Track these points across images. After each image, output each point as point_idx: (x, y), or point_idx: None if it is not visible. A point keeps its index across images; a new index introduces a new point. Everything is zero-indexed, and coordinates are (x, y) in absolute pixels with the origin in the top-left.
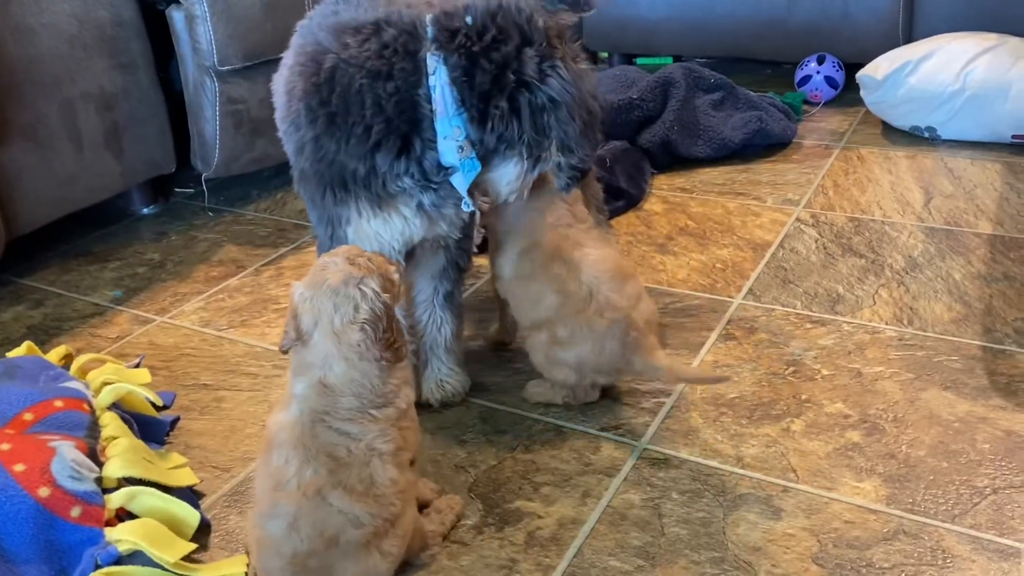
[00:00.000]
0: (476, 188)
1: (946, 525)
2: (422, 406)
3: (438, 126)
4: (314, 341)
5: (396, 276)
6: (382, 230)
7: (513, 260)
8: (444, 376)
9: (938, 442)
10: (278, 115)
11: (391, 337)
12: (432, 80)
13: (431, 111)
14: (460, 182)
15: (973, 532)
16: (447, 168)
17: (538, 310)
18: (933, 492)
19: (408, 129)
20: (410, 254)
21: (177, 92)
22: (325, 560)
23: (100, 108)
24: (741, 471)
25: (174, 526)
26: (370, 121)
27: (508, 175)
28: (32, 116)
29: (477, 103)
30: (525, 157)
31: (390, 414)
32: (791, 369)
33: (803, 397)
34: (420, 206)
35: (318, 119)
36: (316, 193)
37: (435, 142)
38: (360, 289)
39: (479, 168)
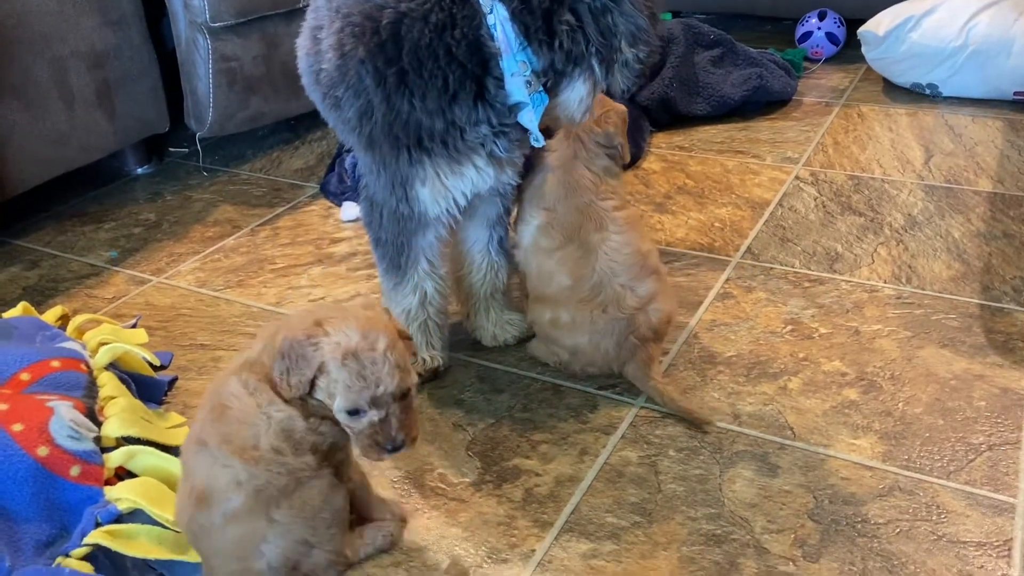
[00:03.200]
0: (546, 119)
1: (941, 481)
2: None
3: (504, 65)
4: (285, 316)
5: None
6: (456, 185)
7: (532, 232)
8: (507, 317)
9: (935, 399)
10: (325, 82)
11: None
12: (491, 19)
13: (496, 50)
14: (530, 119)
15: (968, 488)
16: (516, 107)
17: (547, 287)
18: (929, 449)
19: (480, 72)
20: (468, 204)
21: (169, 50)
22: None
23: (91, 66)
24: (738, 428)
25: (173, 485)
26: (446, 72)
27: (579, 93)
28: (21, 75)
29: (542, 25)
30: (596, 67)
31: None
32: (789, 327)
33: (800, 355)
34: (492, 154)
35: (387, 79)
36: (389, 156)
37: (503, 82)
38: (343, 363)
39: (547, 100)
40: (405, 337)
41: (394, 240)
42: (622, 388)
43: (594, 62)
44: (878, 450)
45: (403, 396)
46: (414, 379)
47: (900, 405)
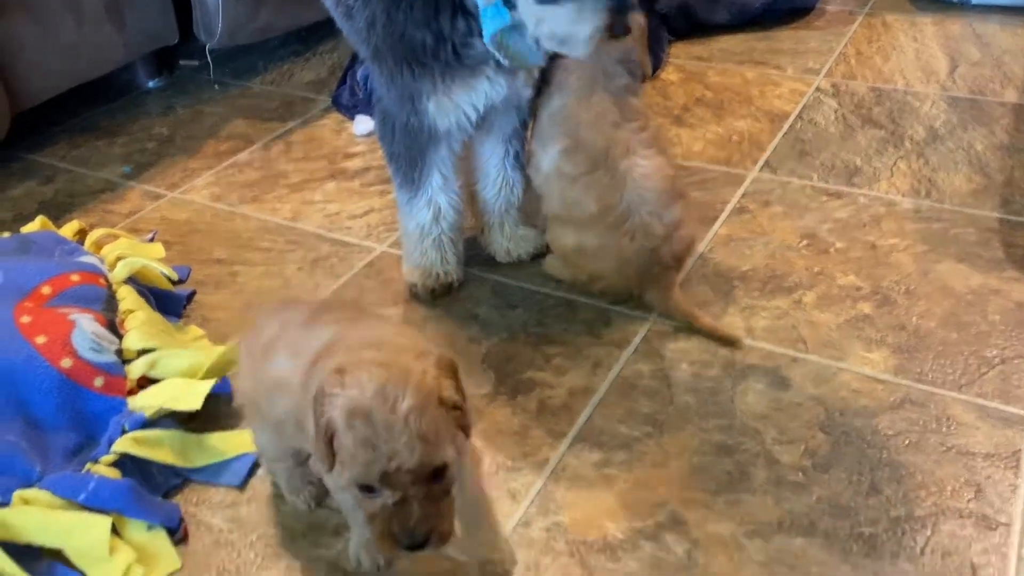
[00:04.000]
0: (548, 37)
1: (953, 394)
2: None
3: None
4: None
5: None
6: (464, 99)
7: (553, 157)
8: (521, 233)
9: (949, 313)
10: None
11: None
12: None
13: None
14: (486, 33)
15: (979, 400)
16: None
17: (571, 213)
18: (941, 362)
19: None
20: (481, 118)
21: None
22: None
23: None
24: (751, 342)
25: (197, 375)
26: None
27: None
28: None
29: None
30: None
31: None
32: (805, 242)
33: (816, 270)
34: (499, 64)
35: None
36: (394, 69)
37: None
38: (349, 424)
39: (506, 18)
40: (450, 405)
41: (407, 154)
42: (636, 304)
43: None
44: (890, 363)
45: (432, 477)
46: (448, 456)
47: (914, 319)
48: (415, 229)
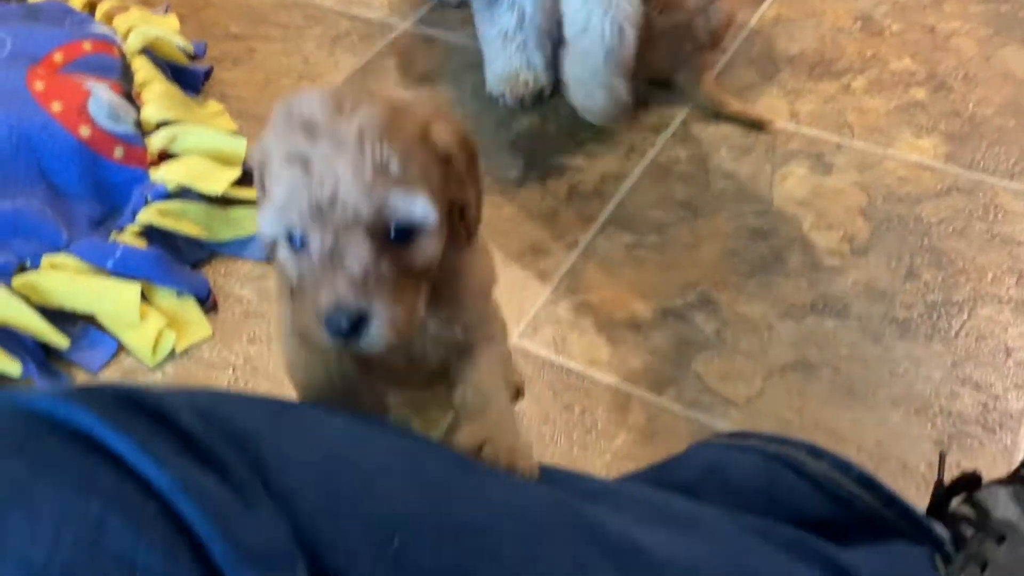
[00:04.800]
0: None
1: (1003, 183)
2: None
3: None
4: None
5: None
6: None
7: None
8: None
9: (1009, 101)
10: None
11: None
12: None
13: None
14: None
15: None
16: None
17: None
18: (994, 150)
19: None
20: None
21: None
22: None
23: None
24: (794, 128)
25: (217, 159)
26: None
27: None
28: None
29: None
30: None
31: None
32: (859, 24)
33: (868, 53)
34: None
35: None
36: None
37: None
38: (279, 131)
39: None
40: (440, 151)
41: None
42: (671, 87)
43: None
44: (941, 150)
45: (391, 236)
46: (418, 206)
47: (970, 106)
48: (496, 35)
